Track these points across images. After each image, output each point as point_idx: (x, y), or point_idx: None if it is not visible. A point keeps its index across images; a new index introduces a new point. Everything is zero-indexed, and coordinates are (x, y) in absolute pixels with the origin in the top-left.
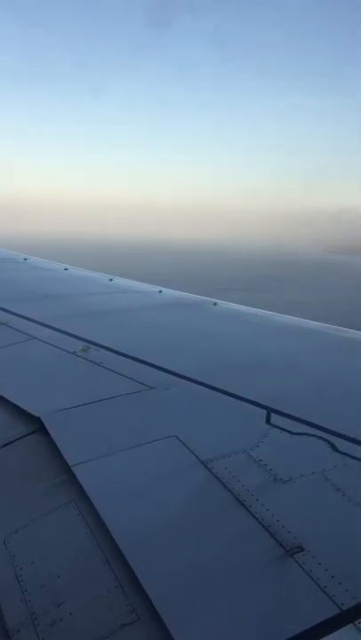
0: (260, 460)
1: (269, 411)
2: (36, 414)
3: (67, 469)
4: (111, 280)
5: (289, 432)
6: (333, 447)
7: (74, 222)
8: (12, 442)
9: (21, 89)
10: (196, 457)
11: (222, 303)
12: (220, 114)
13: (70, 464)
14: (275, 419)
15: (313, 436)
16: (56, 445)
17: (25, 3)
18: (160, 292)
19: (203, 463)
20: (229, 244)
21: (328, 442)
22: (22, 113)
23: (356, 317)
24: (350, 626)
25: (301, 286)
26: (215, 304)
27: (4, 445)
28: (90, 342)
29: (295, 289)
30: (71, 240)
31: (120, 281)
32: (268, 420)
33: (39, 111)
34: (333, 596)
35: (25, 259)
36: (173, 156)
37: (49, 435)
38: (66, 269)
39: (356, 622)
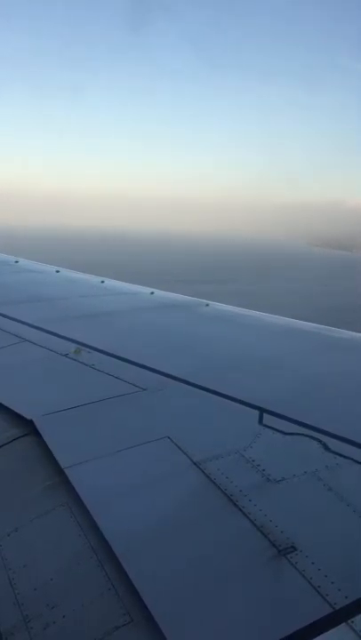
0: (253, 461)
1: (262, 411)
2: (29, 417)
3: (59, 472)
4: (103, 282)
5: (281, 432)
6: (326, 447)
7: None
8: (4, 445)
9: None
10: (189, 458)
11: (214, 304)
12: (204, 106)
13: (63, 466)
14: (267, 419)
15: (305, 435)
16: (49, 448)
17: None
18: (152, 293)
19: (195, 464)
20: (210, 238)
21: (320, 442)
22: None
23: (300, 308)
24: (344, 625)
25: (265, 278)
26: (207, 305)
27: None
28: (82, 344)
29: (259, 280)
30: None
31: (112, 283)
32: (260, 421)
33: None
34: (327, 595)
35: (16, 261)
36: (154, 149)
37: (42, 437)
38: (57, 271)
39: (350, 621)
